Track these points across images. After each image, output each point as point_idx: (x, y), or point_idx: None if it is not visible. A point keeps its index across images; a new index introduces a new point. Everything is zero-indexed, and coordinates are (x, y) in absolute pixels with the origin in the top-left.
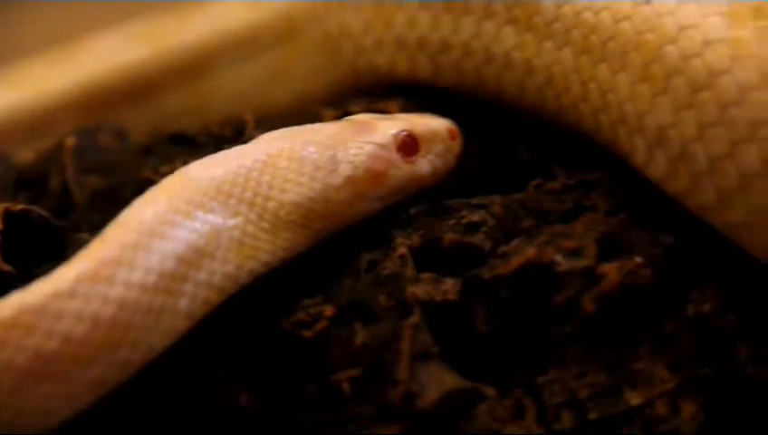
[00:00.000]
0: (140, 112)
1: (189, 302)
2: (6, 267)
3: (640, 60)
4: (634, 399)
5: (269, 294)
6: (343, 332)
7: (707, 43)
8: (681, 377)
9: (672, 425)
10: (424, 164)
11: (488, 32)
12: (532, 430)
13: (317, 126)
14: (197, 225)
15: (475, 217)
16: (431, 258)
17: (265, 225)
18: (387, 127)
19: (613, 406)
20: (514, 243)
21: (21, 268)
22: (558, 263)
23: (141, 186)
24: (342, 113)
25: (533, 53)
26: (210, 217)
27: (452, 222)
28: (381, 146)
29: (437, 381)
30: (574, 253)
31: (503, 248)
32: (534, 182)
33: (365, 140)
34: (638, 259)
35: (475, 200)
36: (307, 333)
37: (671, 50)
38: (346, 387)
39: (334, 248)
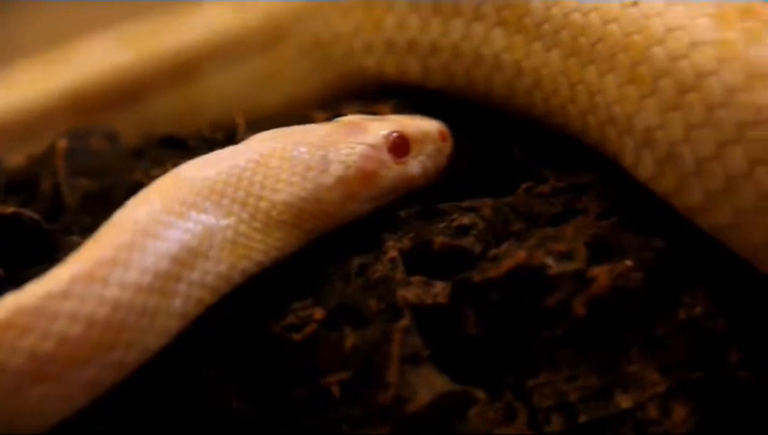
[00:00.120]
0: (130, 116)
1: (183, 302)
2: None
3: (628, 61)
4: (625, 402)
5: (259, 298)
6: (333, 335)
7: (694, 44)
8: (672, 380)
9: (663, 428)
10: (415, 165)
11: (478, 34)
12: (522, 434)
13: (308, 127)
14: (191, 225)
15: (466, 220)
16: (421, 261)
17: (258, 224)
18: (378, 128)
19: (604, 409)
20: (505, 246)
21: (12, 271)
22: (548, 266)
23: (132, 189)
24: (334, 116)
25: (522, 55)
26: (203, 217)
27: (442, 225)
28: (372, 146)
29: (428, 385)
30: (565, 256)
31: (493, 251)
32: (525, 185)
33: (356, 140)
34: (629, 262)
35: (465, 203)
36: (297, 337)
37: (659, 51)
38: (336, 390)
39: (324, 251)
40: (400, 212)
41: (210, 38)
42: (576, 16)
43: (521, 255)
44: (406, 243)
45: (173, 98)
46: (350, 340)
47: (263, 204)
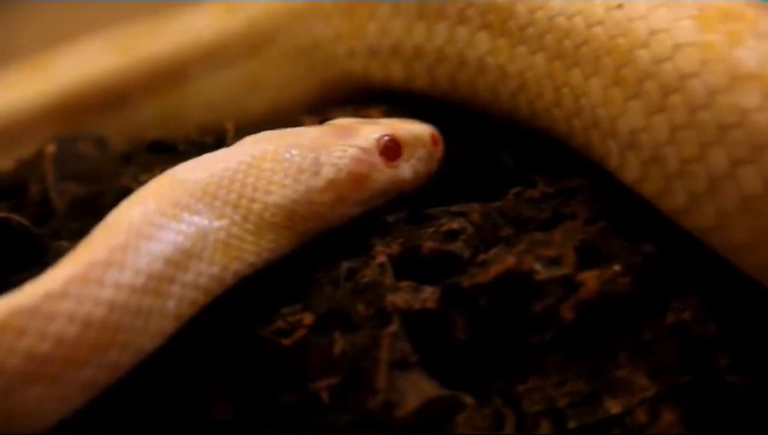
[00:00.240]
0: (116, 121)
1: (177, 303)
2: None
3: (612, 64)
4: (614, 407)
5: (248, 302)
6: (322, 340)
7: (678, 46)
8: (661, 385)
9: (652, 433)
10: (406, 169)
11: (462, 37)
12: None
13: (300, 129)
14: (184, 227)
15: (455, 225)
16: (410, 266)
17: (250, 226)
18: (370, 131)
19: (593, 414)
20: (494, 251)
21: (0, 276)
22: (537, 271)
23: (121, 194)
24: (323, 120)
25: (507, 59)
26: (196, 218)
27: (431, 230)
28: (364, 150)
29: (416, 390)
30: (553, 261)
31: (482, 257)
32: (514, 190)
33: (348, 143)
34: (618, 267)
35: (454, 208)
36: (286, 342)
37: (642, 54)
38: (325, 396)
39: (314, 256)
40: (389, 217)
41: (193, 45)
42: (561, 20)
43: (510, 260)
44: (395, 248)
45: (160, 103)
46: (339, 345)
47: (255, 206)
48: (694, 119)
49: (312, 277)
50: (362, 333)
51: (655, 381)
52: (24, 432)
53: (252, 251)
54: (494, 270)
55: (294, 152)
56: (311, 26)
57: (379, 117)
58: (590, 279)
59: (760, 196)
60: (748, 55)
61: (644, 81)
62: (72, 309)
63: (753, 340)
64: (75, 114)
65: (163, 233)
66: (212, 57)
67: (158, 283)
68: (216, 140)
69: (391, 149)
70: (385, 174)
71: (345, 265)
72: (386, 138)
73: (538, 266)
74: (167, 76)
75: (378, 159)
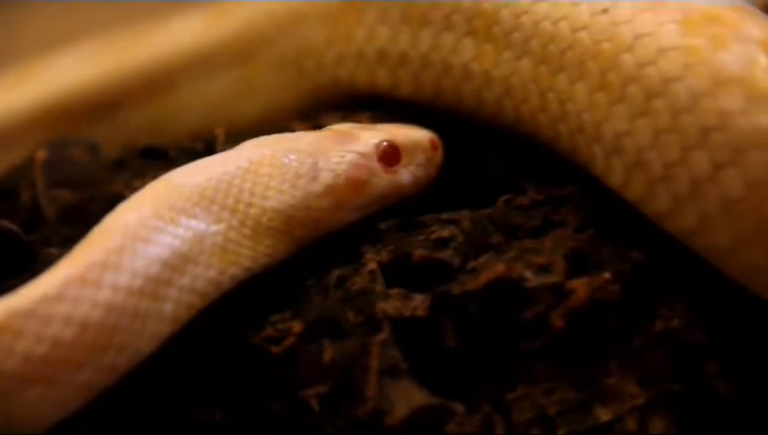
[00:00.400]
0: (106, 128)
1: (174, 306)
2: None
3: (597, 69)
4: (604, 415)
5: (238, 310)
6: (312, 348)
7: (661, 50)
8: (651, 392)
9: None
10: (405, 174)
11: (447, 43)
12: None
13: (299, 134)
14: (181, 230)
15: (445, 233)
16: (401, 274)
17: (247, 231)
18: (369, 137)
19: (583, 422)
20: (484, 258)
21: None
22: (527, 279)
23: (113, 200)
24: (314, 126)
25: (492, 64)
26: (193, 222)
27: (421, 238)
28: (363, 155)
29: (406, 398)
30: (543, 269)
31: (472, 264)
32: (504, 197)
33: (347, 148)
34: (607, 275)
35: (444, 216)
36: (275, 349)
37: (627, 58)
38: (314, 404)
39: (304, 264)
40: (380, 224)
41: (185, 50)
42: (546, 25)
43: (499, 267)
44: (385, 255)
45: (150, 110)
46: (329, 353)
47: (252, 211)
48: (677, 122)
49: (301, 285)
50: (352, 340)
51: (644, 388)
52: (22, 434)
53: (249, 256)
54: (484, 277)
55: (293, 157)
56: (300, 33)
57: (367, 123)
58: (580, 287)
59: (741, 199)
60: (731, 59)
61: (628, 85)
62: (69, 311)
63: (742, 346)
64: (66, 120)
65: (159, 236)
66: (202, 64)
67: (154, 286)
68: (207, 146)
69: (390, 155)
70: (384, 180)
71: (335, 272)
72: (385, 143)
73: (528, 274)
74: (157, 83)
75: (376, 165)
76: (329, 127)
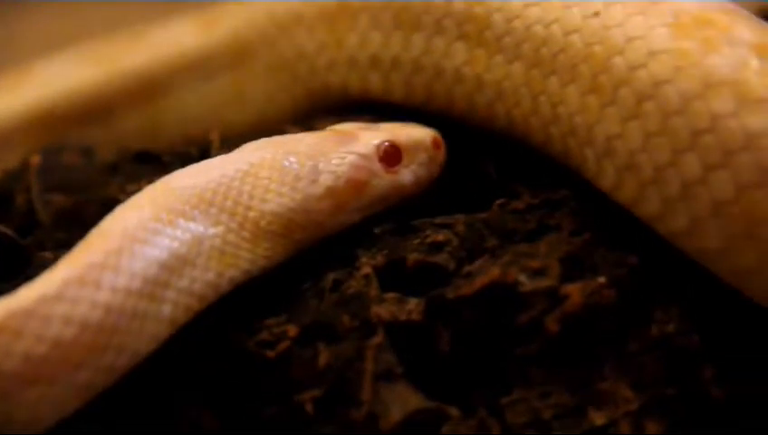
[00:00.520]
0: (99, 133)
1: (172, 308)
2: None
3: (589, 72)
4: (598, 419)
5: (233, 314)
6: (307, 352)
7: (652, 53)
8: (645, 397)
9: None
10: (406, 174)
11: (439, 48)
12: None
13: (300, 136)
14: (179, 233)
15: (440, 237)
16: (395, 278)
17: (246, 234)
18: (369, 137)
19: (577, 426)
20: (478, 263)
21: None
22: (522, 283)
23: (107, 204)
24: (307, 130)
25: (484, 68)
26: (192, 225)
27: (416, 242)
28: (363, 156)
29: (401, 402)
30: (538, 273)
31: (467, 268)
32: (499, 201)
33: (347, 150)
34: (602, 279)
35: (439, 220)
36: (270, 353)
37: (618, 61)
38: (309, 407)
39: (299, 267)
40: (375, 228)
41: (179, 55)
42: (537, 28)
43: (494, 272)
44: (380, 259)
45: (143, 115)
46: (324, 356)
47: (251, 214)
48: (668, 125)
49: (296, 288)
50: (347, 344)
51: (639, 392)
52: (22, 434)
53: (247, 259)
54: (479, 282)
55: (293, 160)
56: (294, 38)
57: (369, 122)
58: (575, 291)
59: (732, 201)
60: (722, 62)
61: (619, 88)
62: (68, 311)
63: (737, 352)
64: (60, 124)
65: (158, 238)
66: (196, 68)
67: (153, 287)
68: (201, 150)
69: (391, 155)
70: (385, 180)
71: (330, 276)
72: (386, 143)
73: (523, 278)
74: (151, 88)
75: (377, 166)
76: (331, 127)
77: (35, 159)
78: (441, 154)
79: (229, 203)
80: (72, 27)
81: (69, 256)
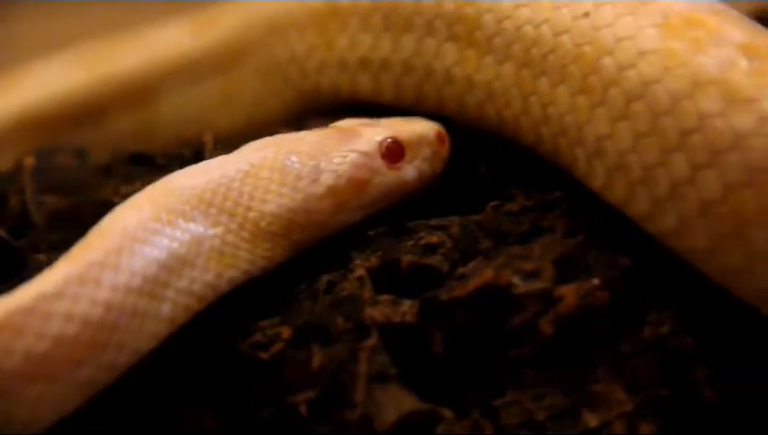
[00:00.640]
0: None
1: (171, 307)
2: None
3: (579, 72)
4: (592, 420)
5: (226, 315)
6: (300, 353)
7: (641, 54)
8: (639, 399)
9: None
10: (410, 170)
11: (429, 49)
12: None
13: (302, 134)
14: (179, 233)
15: (434, 239)
16: (389, 280)
17: (245, 235)
18: (372, 134)
19: (571, 428)
20: (472, 265)
21: None
22: (515, 285)
23: (101, 206)
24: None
25: (474, 69)
26: (191, 225)
27: (410, 243)
28: (365, 154)
29: (395, 404)
30: (532, 275)
31: (460, 270)
32: (493, 203)
33: (348, 148)
34: (596, 281)
35: (433, 222)
36: (264, 355)
37: (608, 61)
38: (303, 409)
39: (293, 269)
40: (369, 230)
41: (171, 57)
42: (528, 29)
43: (488, 274)
44: (374, 261)
45: (136, 117)
46: (318, 358)
47: (251, 214)
48: (656, 125)
49: (290, 290)
50: (341, 346)
51: (633, 394)
52: (23, 432)
53: (247, 259)
54: (473, 284)
55: (294, 159)
56: (284, 41)
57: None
58: (569, 293)
59: (719, 201)
60: (710, 62)
61: (609, 88)
62: (69, 309)
63: (731, 353)
64: (53, 126)
65: (157, 238)
66: (189, 70)
67: (152, 286)
68: (195, 152)
69: (394, 152)
70: (387, 177)
71: (324, 278)
72: (389, 140)
73: (516, 280)
74: (144, 89)
75: (379, 163)
76: (333, 124)
77: (29, 161)
78: (445, 149)
79: (229, 204)
80: (71, 27)
81: (68, 254)
